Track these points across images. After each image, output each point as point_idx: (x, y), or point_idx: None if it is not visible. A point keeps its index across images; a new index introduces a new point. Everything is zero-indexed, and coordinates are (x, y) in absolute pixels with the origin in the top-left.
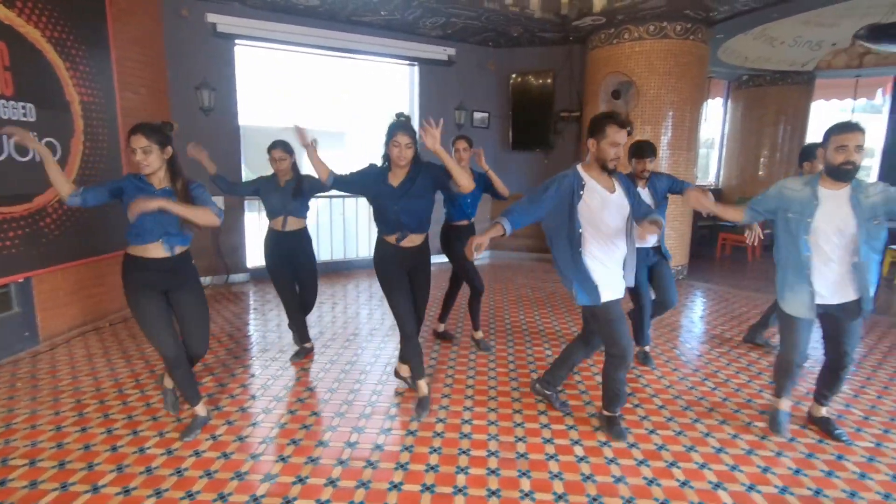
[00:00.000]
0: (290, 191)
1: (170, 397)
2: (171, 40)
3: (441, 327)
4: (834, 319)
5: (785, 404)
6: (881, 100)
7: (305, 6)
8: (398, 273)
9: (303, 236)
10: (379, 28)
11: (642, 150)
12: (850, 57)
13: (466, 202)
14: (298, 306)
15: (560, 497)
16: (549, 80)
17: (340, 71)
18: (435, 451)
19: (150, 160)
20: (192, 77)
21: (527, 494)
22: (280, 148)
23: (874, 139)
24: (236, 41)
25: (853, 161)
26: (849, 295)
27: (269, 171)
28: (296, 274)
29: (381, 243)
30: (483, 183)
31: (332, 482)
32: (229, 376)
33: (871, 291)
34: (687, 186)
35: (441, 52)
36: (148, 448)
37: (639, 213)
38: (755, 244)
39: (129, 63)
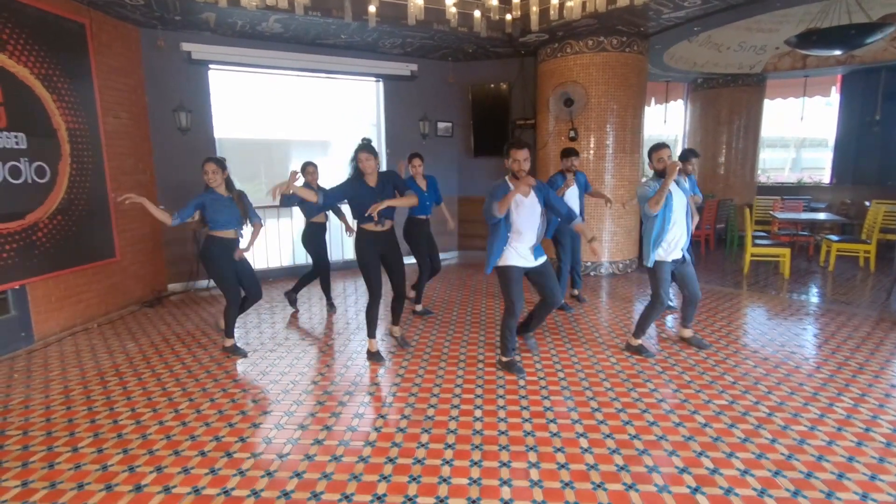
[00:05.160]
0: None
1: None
2: (149, 68)
3: (418, 307)
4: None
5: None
6: (835, 96)
7: (271, 33)
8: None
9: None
10: (343, 49)
11: (567, 151)
12: (794, 59)
13: (425, 204)
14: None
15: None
16: (505, 91)
17: (316, 87)
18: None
19: (217, 178)
20: (170, 101)
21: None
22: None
23: (829, 133)
24: (210, 66)
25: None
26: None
27: (248, 183)
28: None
29: (360, 232)
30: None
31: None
32: (214, 380)
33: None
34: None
35: (404, 68)
36: (125, 433)
37: (561, 213)
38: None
39: (110, 91)
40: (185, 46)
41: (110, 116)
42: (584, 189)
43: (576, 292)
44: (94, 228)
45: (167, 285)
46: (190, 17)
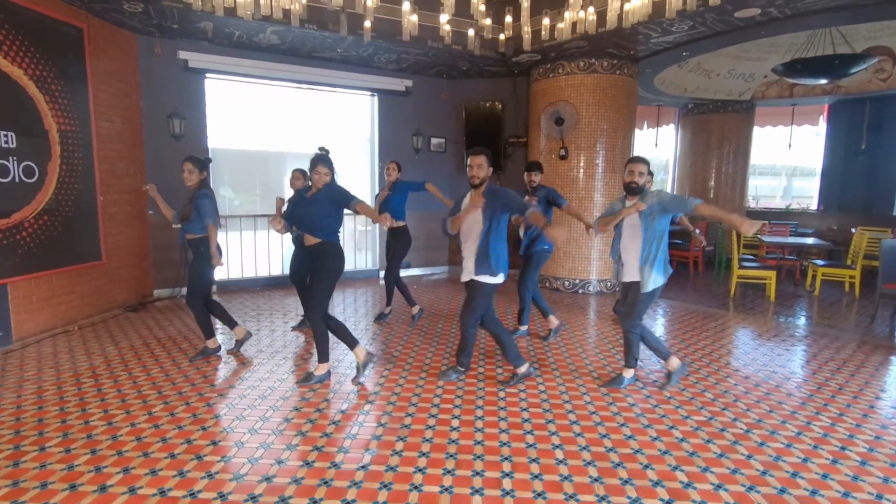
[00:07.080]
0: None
1: None
2: (145, 74)
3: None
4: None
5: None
6: (823, 125)
7: (268, 45)
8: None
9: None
10: (339, 62)
11: (529, 166)
12: (782, 88)
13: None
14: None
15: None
16: (498, 109)
17: (311, 99)
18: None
19: (191, 178)
20: (165, 107)
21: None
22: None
23: (818, 162)
24: (206, 75)
25: (636, 182)
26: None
27: (243, 194)
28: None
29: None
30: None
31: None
32: (189, 385)
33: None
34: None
35: (399, 84)
36: (95, 434)
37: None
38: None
39: (104, 95)
40: (182, 55)
41: (103, 120)
42: (546, 203)
43: (522, 328)
44: (80, 230)
45: (153, 291)
46: (187, 25)
